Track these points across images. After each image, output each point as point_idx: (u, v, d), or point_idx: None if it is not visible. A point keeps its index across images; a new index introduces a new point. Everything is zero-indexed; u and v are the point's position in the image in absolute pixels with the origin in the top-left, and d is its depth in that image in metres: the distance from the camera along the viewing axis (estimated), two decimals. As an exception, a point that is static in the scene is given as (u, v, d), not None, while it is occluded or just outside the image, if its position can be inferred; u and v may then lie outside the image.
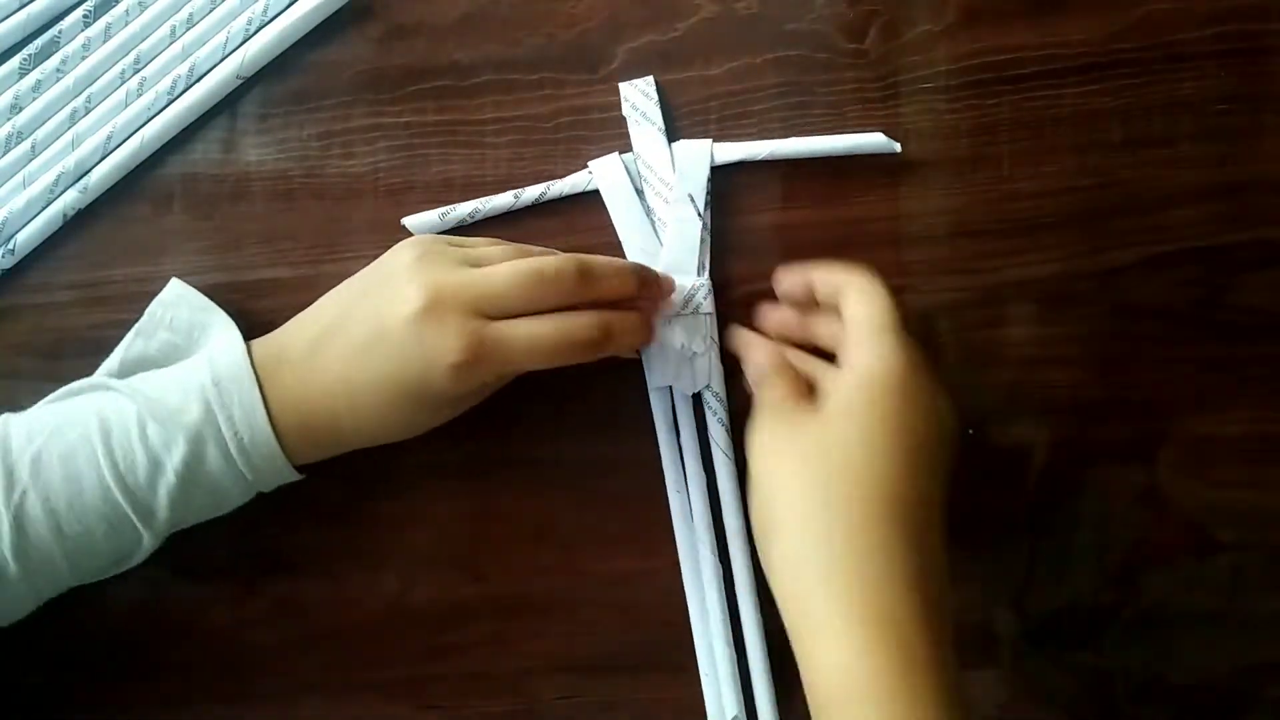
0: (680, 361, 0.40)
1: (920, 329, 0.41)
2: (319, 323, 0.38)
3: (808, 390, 0.36)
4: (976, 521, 0.42)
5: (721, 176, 0.41)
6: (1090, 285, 0.40)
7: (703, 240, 0.41)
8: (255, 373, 0.37)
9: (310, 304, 0.39)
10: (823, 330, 0.38)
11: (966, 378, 0.41)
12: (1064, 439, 0.41)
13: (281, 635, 0.42)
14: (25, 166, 0.42)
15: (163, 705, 0.43)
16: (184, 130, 0.42)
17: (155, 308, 0.40)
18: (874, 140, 0.39)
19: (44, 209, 0.42)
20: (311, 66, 0.42)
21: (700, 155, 0.41)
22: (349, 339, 0.36)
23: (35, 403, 0.41)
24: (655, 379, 0.41)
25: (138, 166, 0.42)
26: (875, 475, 0.33)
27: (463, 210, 0.41)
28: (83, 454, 0.36)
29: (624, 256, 0.41)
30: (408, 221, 0.41)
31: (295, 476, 0.38)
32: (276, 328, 0.39)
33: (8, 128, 0.42)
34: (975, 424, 0.41)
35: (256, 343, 0.38)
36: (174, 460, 0.36)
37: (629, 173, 0.41)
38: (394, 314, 0.35)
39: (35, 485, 0.35)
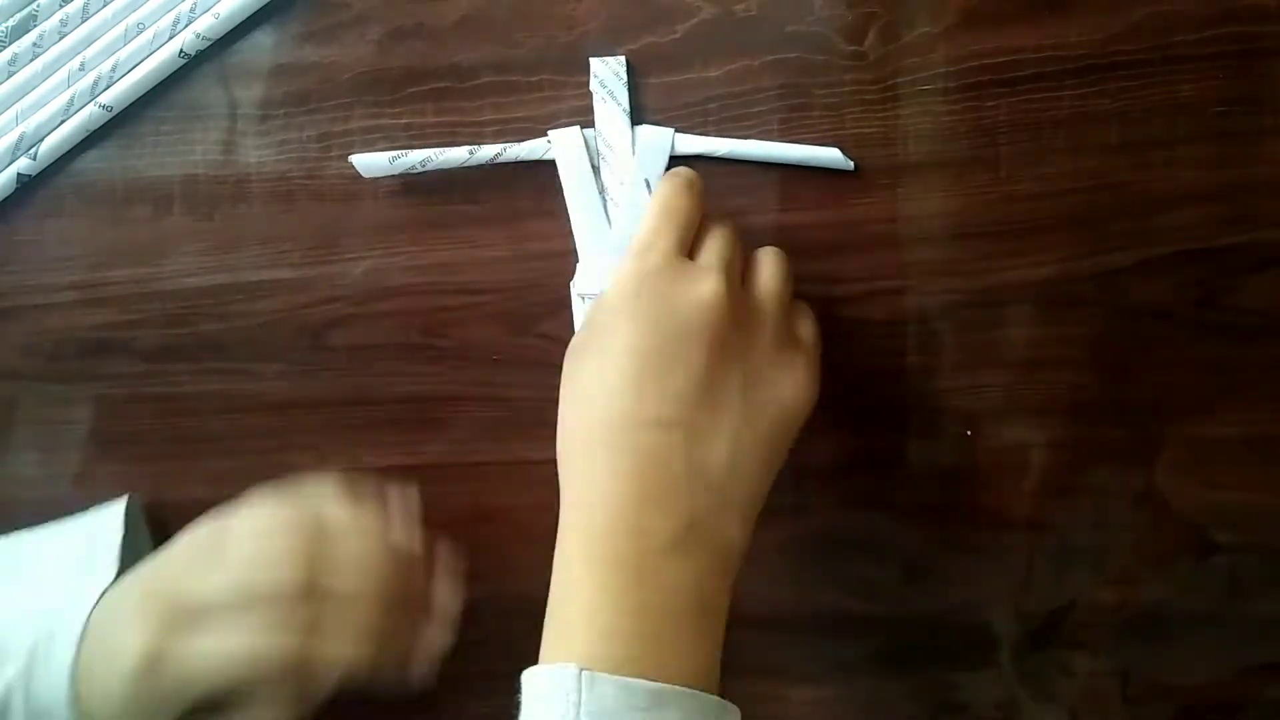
0: None
1: (919, 330, 0.41)
2: (163, 595, 0.37)
3: None
4: (975, 521, 0.42)
5: (720, 178, 0.41)
6: (1089, 287, 0.40)
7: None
8: (85, 635, 0.36)
9: (309, 305, 0.39)
10: None
11: (966, 378, 0.41)
12: (1063, 439, 0.41)
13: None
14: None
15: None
16: (184, 130, 0.42)
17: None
18: (830, 155, 0.40)
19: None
20: (311, 68, 0.42)
21: (661, 142, 0.41)
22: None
23: (36, 402, 0.41)
24: None
25: (138, 164, 0.42)
26: (590, 394, 0.34)
27: (414, 158, 0.41)
28: None
29: (570, 229, 0.41)
30: (355, 159, 0.41)
31: None
32: (277, 329, 0.39)
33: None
34: (975, 424, 0.41)
35: (112, 596, 0.37)
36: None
37: (588, 148, 0.41)
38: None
39: None
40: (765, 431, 0.34)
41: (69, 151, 0.42)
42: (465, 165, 0.41)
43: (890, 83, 0.40)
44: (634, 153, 0.41)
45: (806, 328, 0.37)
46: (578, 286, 0.40)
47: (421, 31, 0.42)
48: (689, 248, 0.35)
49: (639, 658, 0.30)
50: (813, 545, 0.42)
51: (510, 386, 0.42)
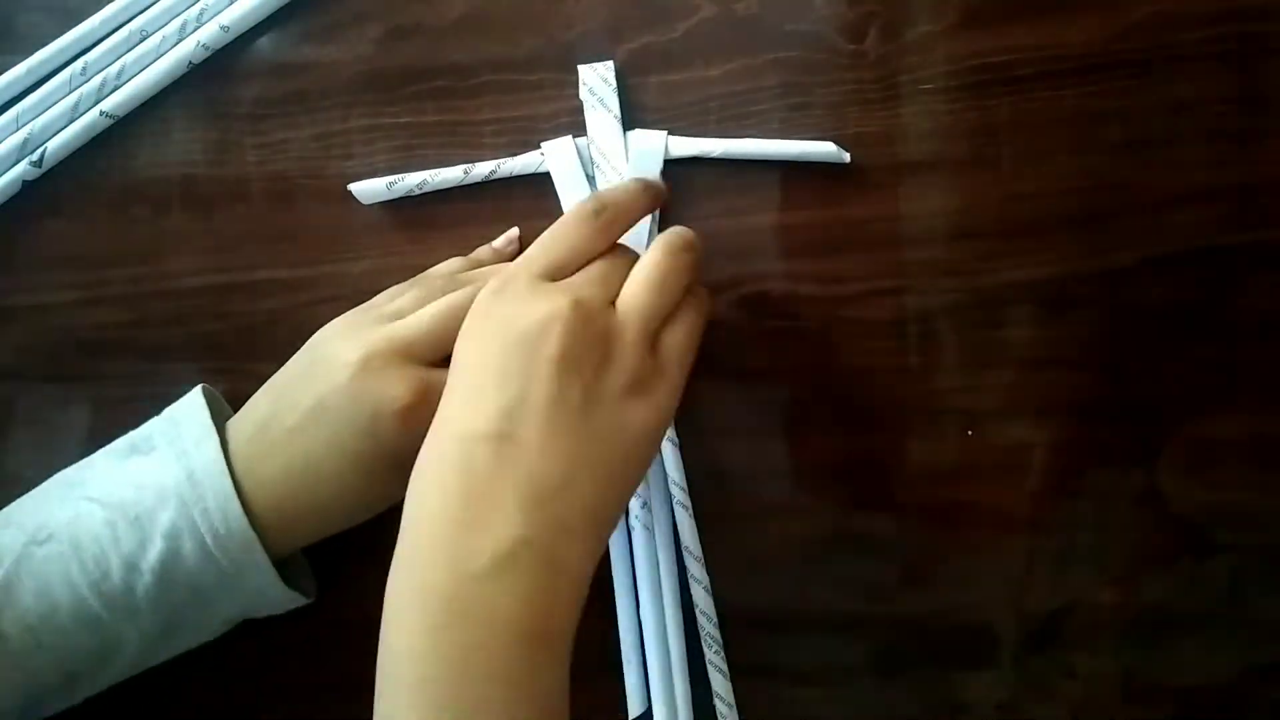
0: None
1: (919, 330, 0.41)
2: (264, 409, 0.38)
3: None
4: (976, 521, 0.42)
5: (720, 177, 0.41)
6: (1090, 286, 0.40)
7: (651, 233, 0.41)
8: (229, 460, 0.36)
9: (309, 305, 0.39)
10: None
11: (966, 378, 0.41)
12: (1064, 439, 0.41)
13: (281, 636, 0.42)
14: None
15: (163, 707, 0.43)
16: (183, 130, 0.42)
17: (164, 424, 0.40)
18: (824, 149, 0.40)
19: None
20: (310, 67, 0.42)
21: (654, 146, 0.41)
22: (296, 419, 0.36)
23: (36, 402, 0.41)
24: None
25: (138, 164, 0.42)
26: (435, 424, 0.33)
27: (411, 181, 0.41)
28: (54, 570, 0.36)
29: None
30: (354, 188, 0.41)
31: (273, 576, 0.37)
32: (276, 329, 0.39)
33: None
34: (975, 424, 0.41)
35: (231, 425, 0.38)
36: (149, 560, 0.36)
37: (581, 158, 0.41)
38: (331, 381, 0.36)
39: (7, 606, 0.35)
40: (606, 454, 0.32)
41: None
42: (462, 184, 0.41)
43: (891, 82, 0.40)
44: (627, 158, 0.41)
45: (676, 339, 0.35)
46: None
47: (421, 30, 0.42)
48: (565, 274, 0.34)
49: (461, 703, 0.28)
50: (813, 545, 0.42)
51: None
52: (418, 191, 0.42)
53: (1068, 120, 0.40)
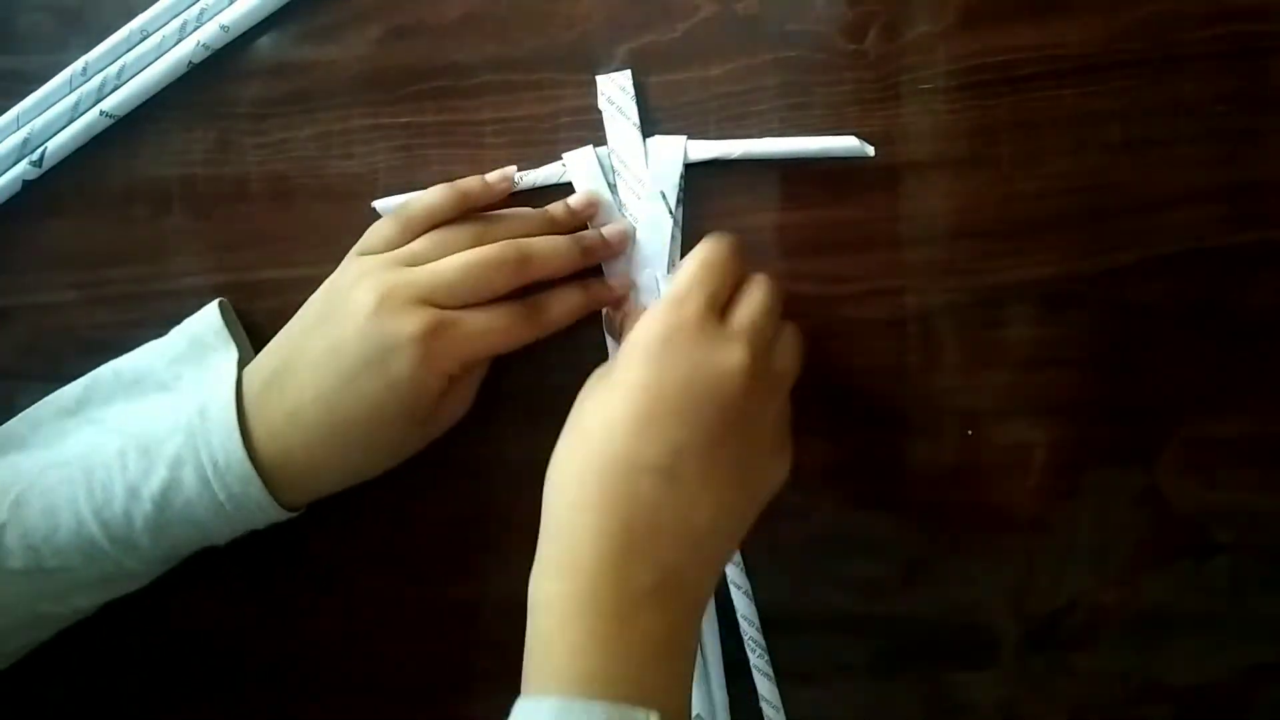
0: None
1: (919, 330, 0.41)
2: (278, 358, 0.38)
3: None
4: (976, 521, 0.42)
5: (720, 177, 0.41)
6: (1090, 286, 0.40)
7: (674, 238, 0.41)
8: (242, 403, 0.37)
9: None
10: None
11: (966, 378, 0.41)
12: (1064, 439, 0.41)
13: (281, 637, 0.42)
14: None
15: (162, 707, 0.43)
16: (183, 130, 0.42)
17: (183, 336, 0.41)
18: (847, 143, 0.39)
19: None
20: (310, 67, 0.42)
21: (674, 152, 0.41)
22: (309, 364, 0.37)
23: (35, 403, 0.41)
24: None
25: (138, 164, 0.42)
26: (590, 427, 0.34)
27: None
28: (62, 492, 0.37)
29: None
30: (378, 205, 0.41)
31: (277, 511, 0.38)
32: (276, 329, 0.39)
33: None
34: (975, 424, 0.41)
35: (248, 370, 0.39)
36: (151, 488, 0.36)
37: (602, 166, 0.41)
38: (350, 320, 0.36)
39: (14, 520, 0.37)
40: (748, 500, 0.35)
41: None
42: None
43: (891, 81, 0.40)
44: (647, 165, 0.41)
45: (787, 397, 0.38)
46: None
47: (421, 30, 0.42)
48: (724, 303, 0.35)
49: (619, 700, 0.31)
50: (813, 545, 0.42)
51: (510, 387, 0.42)
52: None
53: (1067, 120, 0.40)
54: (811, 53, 0.40)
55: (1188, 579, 0.42)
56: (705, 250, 0.36)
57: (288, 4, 0.42)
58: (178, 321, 0.42)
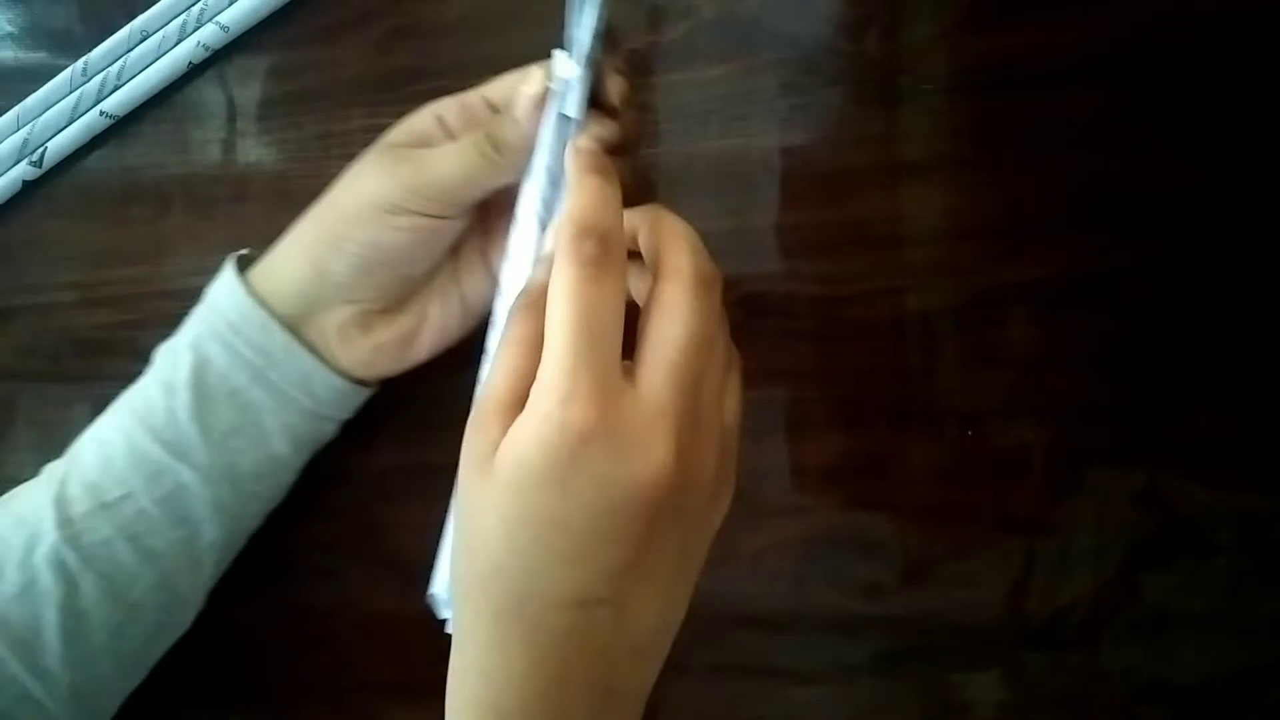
0: None
1: (919, 330, 0.41)
2: (275, 246, 0.38)
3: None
4: (976, 521, 0.42)
5: (721, 177, 0.41)
6: (1090, 286, 0.40)
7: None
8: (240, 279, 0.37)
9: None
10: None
11: (966, 378, 0.41)
12: (1064, 439, 0.41)
13: (280, 637, 0.42)
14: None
15: (160, 708, 0.43)
16: (183, 130, 0.42)
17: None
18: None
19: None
20: (311, 67, 0.42)
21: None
22: (301, 224, 0.38)
23: (36, 402, 0.41)
24: None
25: (138, 164, 0.42)
26: (501, 561, 0.28)
27: None
28: (108, 423, 0.37)
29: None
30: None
31: (308, 360, 0.37)
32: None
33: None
34: (975, 424, 0.41)
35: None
36: (182, 375, 0.36)
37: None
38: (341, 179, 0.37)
39: (73, 468, 0.36)
40: (693, 574, 0.31)
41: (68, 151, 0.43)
42: None
43: (891, 82, 0.40)
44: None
45: (732, 422, 0.31)
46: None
47: (421, 30, 0.42)
48: (625, 333, 0.28)
49: None
50: (813, 545, 0.42)
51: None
52: None
53: (1067, 120, 0.40)
54: (811, 53, 0.40)
55: (1187, 579, 0.42)
56: (571, 296, 0.27)
57: (288, 4, 0.42)
58: (178, 321, 0.42)
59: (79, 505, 0.35)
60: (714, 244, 0.40)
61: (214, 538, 0.37)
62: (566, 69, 0.33)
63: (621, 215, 0.29)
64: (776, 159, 0.41)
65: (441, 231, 0.36)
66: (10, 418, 0.43)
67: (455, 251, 0.38)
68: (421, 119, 0.37)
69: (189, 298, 0.43)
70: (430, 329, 0.38)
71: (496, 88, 0.36)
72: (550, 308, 0.27)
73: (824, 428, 0.42)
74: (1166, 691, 0.42)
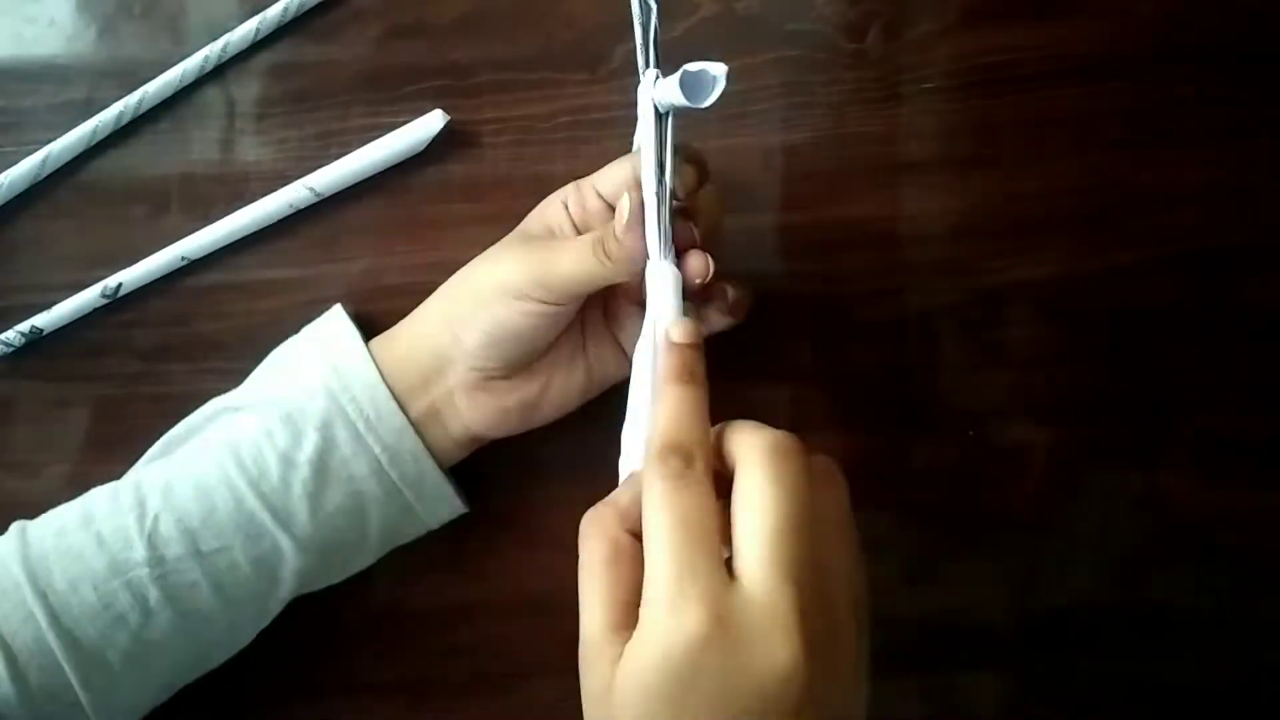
0: None
1: (920, 330, 0.41)
2: (398, 325, 0.39)
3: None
4: (976, 521, 0.42)
5: (720, 177, 0.41)
6: (1090, 286, 0.40)
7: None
8: (370, 354, 0.37)
9: (309, 305, 0.39)
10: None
11: (967, 378, 0.41)
12: (1064, 439, 0.41)
13: (280, 637, 0.42)
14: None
15: (159, 708, 0.43)
16: (182, 129, 0.42)
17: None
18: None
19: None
20: (310, 66, 0.42)
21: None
22: (424, 310, 0.38)
23: (36, 402, 0.41)
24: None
25: (137, 164, 0.42)
26: None
27: None
28: (213, 473, 0.36)
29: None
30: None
31: (431, 468, 0.38)
32: (278, 329, 0.39)
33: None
34: (976, 424, 0.41)
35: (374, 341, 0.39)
36: (305, 453, 0.36)
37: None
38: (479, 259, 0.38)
39: (167, 508, 0.36)
40: None
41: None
42: None
43: (891, 81, 0.40)
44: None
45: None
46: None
47: (420, 29, 0.42)
48: (725, 536, 0.28)
49: None
50: (813, 545, 0.42)
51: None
52: None
53: (1068, 119, 0.40)
54: (812, 52, 0.40)
55: (1189, 579, 0.42)
56: (664, 496, 0.28)
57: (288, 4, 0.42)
58: (177, 321, 0.42)
59: (174, 547, 0.36)
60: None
61: (285, 595, 0.38)
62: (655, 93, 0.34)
63: (706, 421, 0.30)
64: (777, 159, 0.41)
65: (561, 317, 0.37)
66: (9, 418, 0.43)
67: (583, 323, 0.39)
68: (554, 209, 0.38)
69: (188, 298, 0.43)
70: (554, 395, 0.39)
71: (604, 181, 0.37)
72: (646, 524, 0.28)
73: (824, 428, 0.42)
74: (1167, 693, 0.42)
